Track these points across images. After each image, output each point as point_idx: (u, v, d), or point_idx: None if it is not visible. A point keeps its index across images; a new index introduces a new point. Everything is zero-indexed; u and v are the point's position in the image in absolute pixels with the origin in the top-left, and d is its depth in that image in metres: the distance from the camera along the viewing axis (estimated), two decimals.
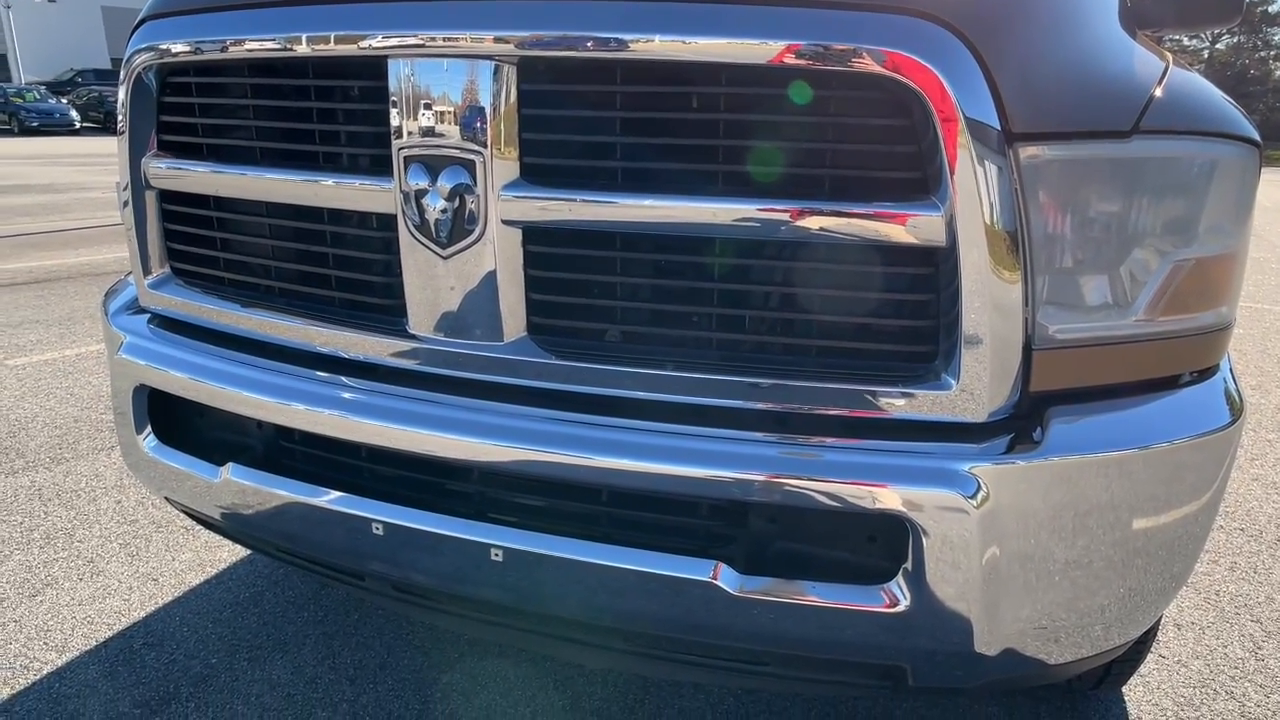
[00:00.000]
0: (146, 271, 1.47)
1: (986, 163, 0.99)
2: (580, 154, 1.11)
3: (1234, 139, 1.17)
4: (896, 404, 1.09)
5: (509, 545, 1.17)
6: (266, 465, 1.36)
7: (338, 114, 1.21)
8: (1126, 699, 1.89)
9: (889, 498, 1.05)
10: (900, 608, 1.09)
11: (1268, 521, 2.76)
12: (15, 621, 2.08)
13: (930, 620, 1.09)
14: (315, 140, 1.24)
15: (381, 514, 1.24)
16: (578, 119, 1.10)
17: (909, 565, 1.08)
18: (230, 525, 1.44)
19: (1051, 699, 1.88)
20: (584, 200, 1.09)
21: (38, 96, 27.23)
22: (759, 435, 1.11)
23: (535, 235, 1.14)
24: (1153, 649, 2.06)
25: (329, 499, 1.27)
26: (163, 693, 1.84)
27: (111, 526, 2.54)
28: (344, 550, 1.31)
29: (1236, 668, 2.01)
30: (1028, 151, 1.02)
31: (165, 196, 1.42)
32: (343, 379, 1.29)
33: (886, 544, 1.11)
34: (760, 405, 1.12)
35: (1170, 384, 1.22)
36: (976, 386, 1.06)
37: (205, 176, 1.33)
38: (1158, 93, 1.12)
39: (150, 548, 2.42)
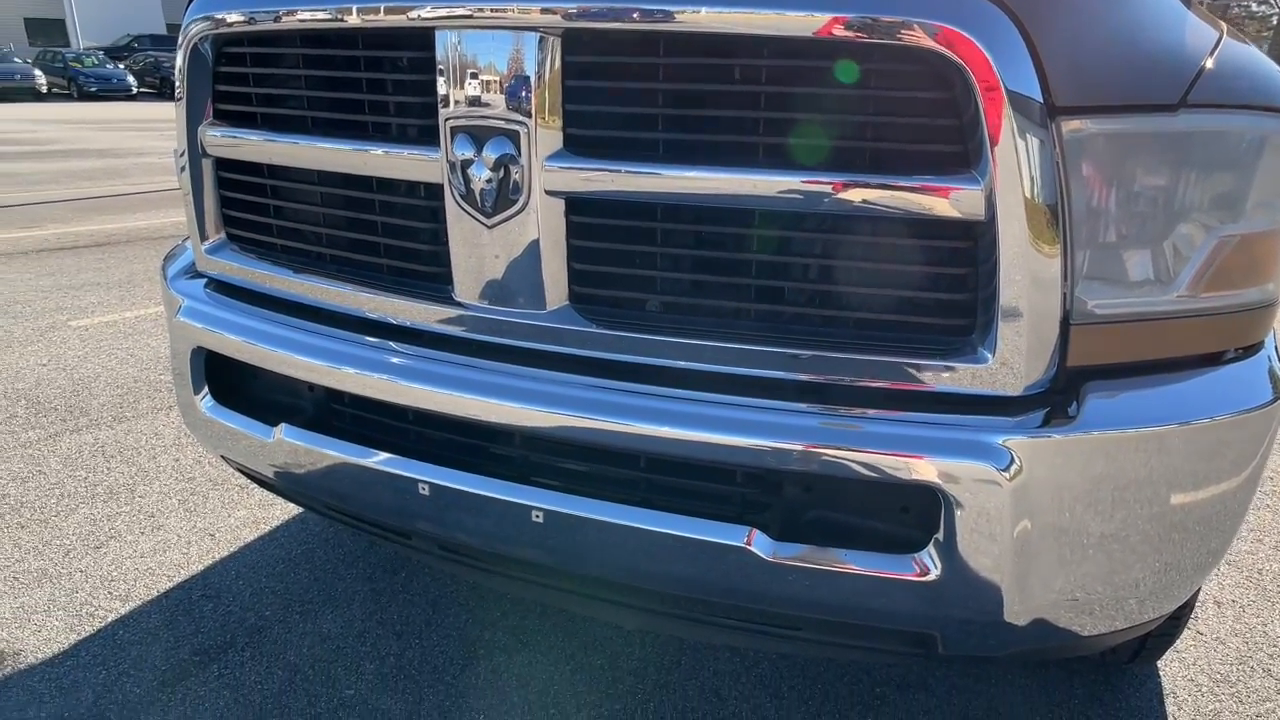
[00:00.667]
0: (204, 237, 1.53)
1: (1028, 136, 0.99)
2: (623, 125, 1.12)
3: None
4: (933, 376, 1.09)
5: (549, 507, 1.21)
6: (317, 426, 1.41)
7: (386, 84, 1.24)
8: (1161, 673, 1.88)
9: (922, 469, 1.06)
10: (931, 576, 1.10)
11: None
12: (81, 571, 2.20)
13: (960, 589, 1.11)
14: (365, 110, 1.27)
15: (427, 475, 1.28)
16: (621, 91, 1.11)
17: (941, 535, 1.09)
18: (282, 483, 1.50)
19: (1085, 672, 1.89)
20: (626, 171, 1.11)
21: (96, 62, 27.73)
22: (796, 405, 1.13)
23: (578, 206, 1.16)
24: (1190, 625, 2.05)
25: (377, 460, 1.32)
26: (220, 642, 1.94)
27: (170, 483, 2.65)
28: (391, 510, 1.36)
29: (1276, 645, 1.99)
30: (1071, 125, 1.01)
31: (221, 164, 1.47)
32: (390, 344, 1.33)
33: (919, 514, 1.12)
34: (797, 376, 1.13)
35: (1213, 360, 1.21)
36: (1013, 360, 1.07)
37: (259, 145, 1.37)
38: (1208, 65, 1.10)
39: (207, 504, 2.53)
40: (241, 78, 1.39)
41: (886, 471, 1.07)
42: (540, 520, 1.23)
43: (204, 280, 1.59)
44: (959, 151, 1.02)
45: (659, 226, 1.15)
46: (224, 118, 1.43)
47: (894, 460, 1.07)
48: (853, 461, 1.08)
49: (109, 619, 2.01)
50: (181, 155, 1.48)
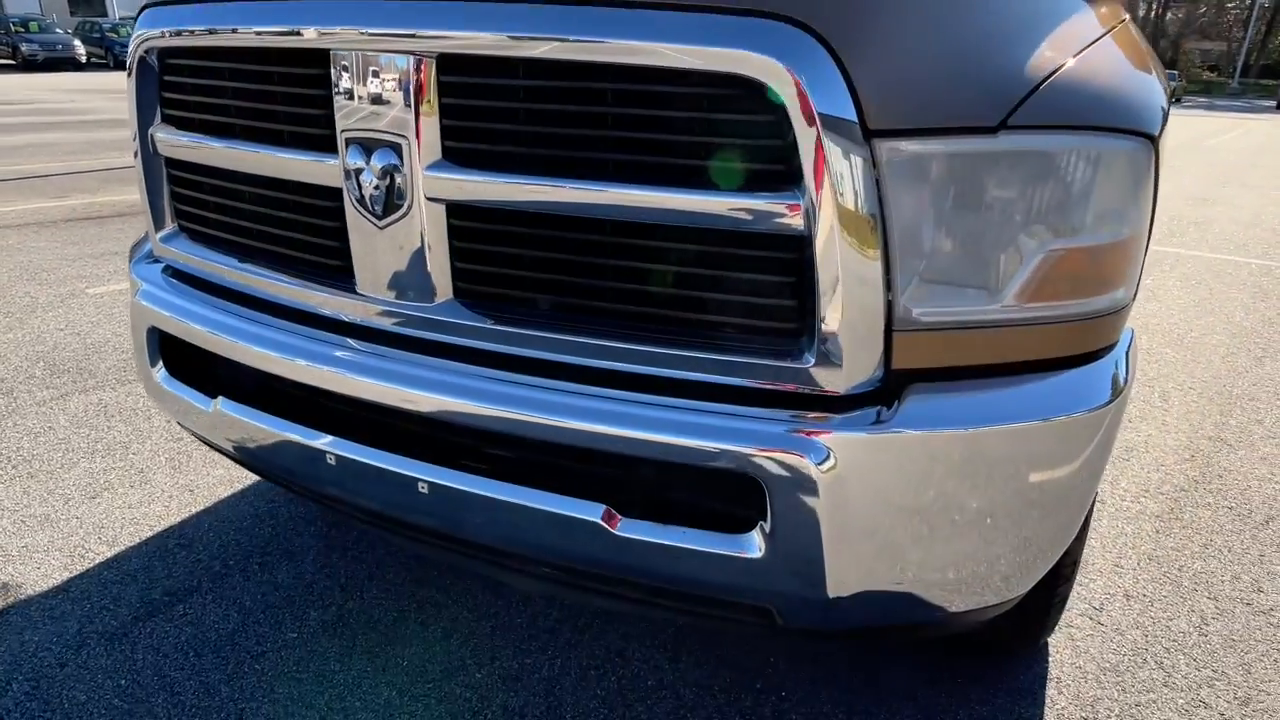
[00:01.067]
0: (158, 226, 1.69)
1: (844, 158, 1.08)
2: (492, 140, 1.24)
3: (1121, 133, 1.21)
4: (765, 376, 1.21)
5: (432, 480, 1.36)
6: (249, 400, 1.57)
7: (294, 97, 1.38)
8: (1051, 659, 1.99)
9: (746, 459, 1.18)
10: (757, 556, 1.23)
11: (1261, 503, 2.75)
12: (77, 518, 2.42)
13: (783, 569, 1.23)
14: (278, 120, 1.41)
15: (334, 448, 1.44)
16: (489, 109, 1.23)
17: (764, 520, 1.21)
18: (224, 448, 1.67)
19: (974, 652, 1.99)
20: (495, 182, 1.23)
21: (40, 28, 26.41)
22: (643, 397, 1.25)
23: (456, 210, 1.29)
24: (1093, 616, 2.14)
25: (293, 433, 1.48)
26: (187, 585, 2.14)
27: (161, 442, 2.87)
28: (308, 477, 1.52)
29: (1175, 640, 2.07)
30: (887, 146, 1.10)
31: (169, 162, 1.63)
32: (307, 331, 1.48)
33: (751, 500, 1.24)
34: (647, 370, 1.25)
35: (1054, 365, 1.30)
36: (835, 363, 1.17)
37: (196, 148, 1.52)
38: (1045, 85, 1.17)
39: (191, 462, 2.74)
40: (181, 86, 1.53)
41: (715, 460, 1.19)
42: (425, 491, 1.37)
43: (162, 265, 1.76)
44: (784, 171, 1.12)
45: (526, 231, 1.27)
46: (169, 121, 1.58)
47: (722, 450, 1.19)
48: (688, 450, 1.20)
49: (97, 560, 2.23)
50: (136, 154, 1.63)
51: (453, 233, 1.31)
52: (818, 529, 1.20)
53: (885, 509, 1.20)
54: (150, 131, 1.59)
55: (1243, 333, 4.56)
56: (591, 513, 1.28)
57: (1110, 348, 1.37)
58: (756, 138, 1.13)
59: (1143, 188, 1.26)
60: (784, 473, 1.17)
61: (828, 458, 1.17)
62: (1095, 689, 1.90)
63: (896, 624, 1.40)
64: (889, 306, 1.17)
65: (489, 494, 1.33)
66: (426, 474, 1.37)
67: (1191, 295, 5.27)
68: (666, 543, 1.26)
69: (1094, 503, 1.73)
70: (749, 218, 1.13)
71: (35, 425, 2.96)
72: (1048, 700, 1.87)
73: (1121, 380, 1.36)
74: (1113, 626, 2.11)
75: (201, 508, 2.49)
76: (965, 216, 1.16)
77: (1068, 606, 2.18)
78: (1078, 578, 2.29)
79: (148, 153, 1.62)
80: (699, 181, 1.16)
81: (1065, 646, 2.04)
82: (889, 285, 1.15)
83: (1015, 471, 1.25)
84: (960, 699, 1.86)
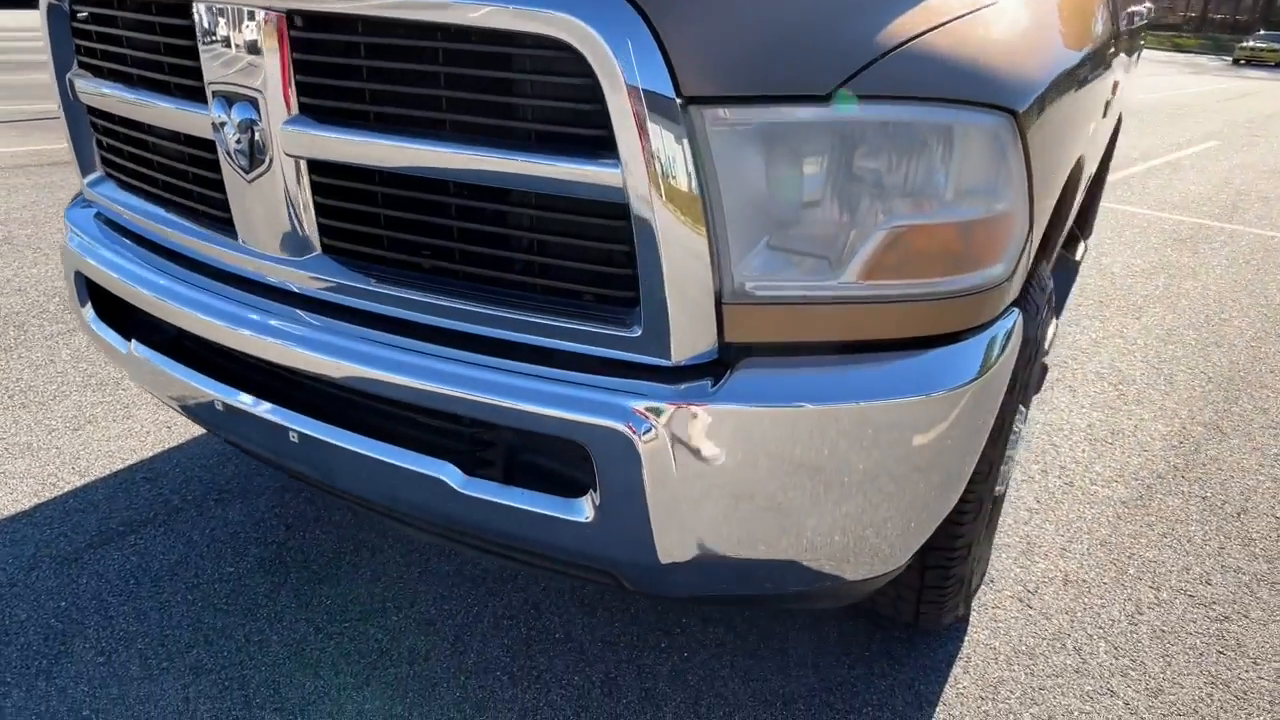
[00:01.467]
0: (84, 172, 1.75)
1: (658, 125, 1.05)
2: (340, 97, 1.25)
3: (978, 106, 1.16)
4: (599, 343, 1.21)
5: (300, 430, 1.40)
6: (158, 346, 1.64)
7: (172, 48, 1.40)
8: (966, 639, 1.96)
9: (574, 426, 1.19)
10: (586, 521, 1.24)
11: (1238, 494, 2.63)
12: (57, 448, 2.57)
13: (612, 536, 1.24)
14: (162, 70, 1.44)
15: (221, 394, 1.49)
16: (334, 66, 1.23)
17: (594, 486, 1.22)
18: (145, 388, 1.75)
19: (890, 628, 1.98)
20: (343, 139, 1.24)
21: None
22: (487, 359, 1.27)
23: (316, 167, 1.31)
24: (1023, 599, 2.10)
25: (190, 379, 1.54)
26: (144, 517, 2.26)
27: None
28: (209, 421, 1.58)
29: (1102, 628, 2.02)
30: (709, 114, 1.07)
31: (88, 108, 1.68)
32: (203, 282, 1.53)
33: (581, 466, 1.25)
34: (490, 332, 1.26)
35: (913, 344, 1.26)
36: (662, 334, 1.17)
37: (103, 94, 1.57)
38: (892, 54, 1.12)
39: None
40: (86, 33, 1.58)
41: (546, 426, 1.20)
42: (296, 440, 1.42)
43: (94, 210, 1.83)
44: (602, 136, 1.10)
45: (380, 190, 1.28)
46: (83, 65, 1.63)
47: (551, 416, 1.20)
48: (521, 414, 1.22)
49: (65, 489, 2.37)
50: (58, 102, 1.69)
51: (316, 189, 1.33)
52: (643, 497, 1.20)
53: (711, 481, 1.20)
54: (67, 76, 1.64)
55: (1278, 316, 4.31)
56: (439, 470, 1.31)
57: (983, 327, 1.32)
58: (575, 102, 1.11)
59: (1006, 165, 1.20)
60: (608, 441, 1.18)
61: (651, 429, 1.16)
62: (1003, 670, 1.88)
63: (747, 594, 1.40)
64: (719, 279, 1.15)
65: (350, 447, 1.37)
66: (295, 424, 1.41)
67: (1235, 275, 4.99)
68: (508, 503, 1.28)
69: (996, 483, 1.69)
70: (570, 182, 1.12)
71: (39, 358, 3.14)
72: (951, 679, 1.85)
73: (994, 360, 1.32)
74: (1041, 610, 2.07)
75: (175, 444, 2.62)
76: (799, 189, 1.13)
77: (1000, 587, 2.14)
78: (1026, 560, 2.24)
79: (66, 97, 1.67)
80: (524, 144, 1.15)
81: (985, 627, 2.01)
82: (716, 257, 1.13)
83: (853, 450, 1.22)
84: (864, 672, 1.86)
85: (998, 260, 1.28)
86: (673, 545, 1.25)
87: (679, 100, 1.05)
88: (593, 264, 1.20)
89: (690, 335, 1.17)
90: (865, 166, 1.13)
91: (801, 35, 1.11)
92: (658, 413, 1.16)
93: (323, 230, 1.36)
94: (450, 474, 1.30)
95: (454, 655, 1.86)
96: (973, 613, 2.06)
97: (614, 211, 1.15)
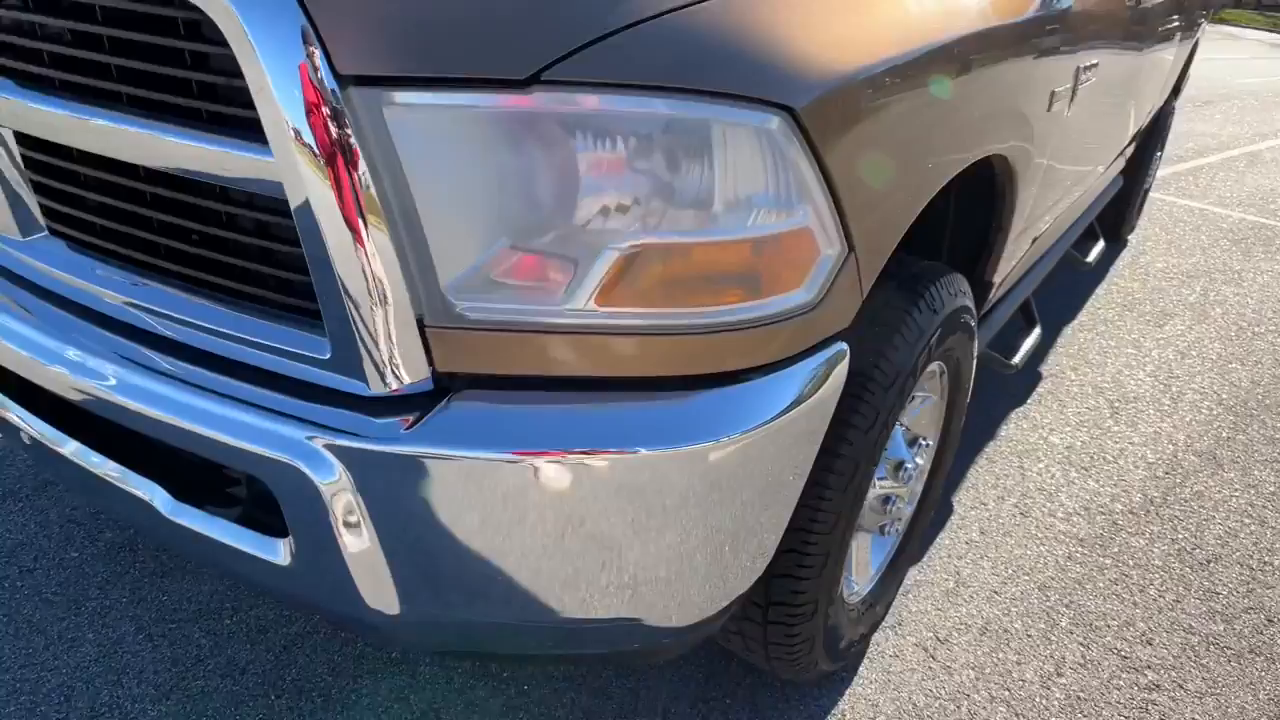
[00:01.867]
0: None
1: (308, 108, 0.85)
2: (30, 59, 1.08)
3: (741, 100, 0.91)
4: (290, 360, 1.02)
5: (30, 430, 1.26)
6: None
7: None
8: (849, 692, 1.73)
9: (257, 462, 1.00)
10: (284, 564, 1.07)
11: (1213, 540, 2.31)
12: None
13: (313, 582, 1.07)
14: None
15: None
16: (23, 24, 1.06)
17: (288, 524, 1.04)
18: None
19: (766, 674, 1.77)
20: (31, 107, 1.07)
21: None
22: (197, 372, 1.09)
23: (22, 138, 1.14)
24: (932, 650, 1.85)
25: None
26: (9, 490, 2.19)
27: None
28: None
29: (1009, 689, 1.77)
30: (384, 97, 0.87)
31: None
32: None
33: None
34: (184, 336, 1.09)
35: (683, 383, 1.03)
36: (354, 356, 0.97)
37: None
38: (622, 34, 0.89)
39: None
40: None
41: (233, 458, 1.03)
42: (28, 442, 1.28)
43: None
44: (251, 117, 0.90)
45: (77, 169, 1.11)
46: None
47: (235, 448, 1.01)
48: (207, 441, 1.04)
49: None
50: None
51: (27, 162, 1.17)
52: (336, 544, 1.02)
53: (414, 532, 1.01)
54: None
55: None
56: (146, 491, 1.15)
57: (780, 364, 1.08)
58: (224, 75, 0.92)
59: (788, 173, 0.96)
60: (286, 478, 1.00)
61: (331, 468, 0.97)
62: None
63: (512, 654, 1.22)
64: (421, 296, 0.94)
65: (74, 457, 1.22)
66: (27, 422, 1.27)
67: None
68: (210, 535, 1.12)
69: (848, 534, 1.45)
70: (222, 171, 0.93)
71: None
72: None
73: (798, 401, 1.09)
74: (945, 662, 1.83)
75: None
76: (512, 195, 0.91)
77: (906, 631, 1.90)
78: (947, 602, 1.99)
79: None
80: (175, 122, 0.96)
81: (875, 678, 1.78)
82: (413, 270, 0.93)
83: (582, 505, 1.00)
84: None
85: (796, 285, 1.04)
86: (382, 599, 1.06)
87: (334, 78, 0.85)
88: (274, 269, 1.01)
89: (389, 361, 0.97)
90: (592, 171, 0.91)
91: (501, 5, 0.89)
92: (339, 451, 0.97)
93: (43, 210, 1.20)
94: (159, 496, 1.14)
95: (274, 669, 1.72)
96: (865, 659, 1.83)
97: (276, 207, 0.95)
